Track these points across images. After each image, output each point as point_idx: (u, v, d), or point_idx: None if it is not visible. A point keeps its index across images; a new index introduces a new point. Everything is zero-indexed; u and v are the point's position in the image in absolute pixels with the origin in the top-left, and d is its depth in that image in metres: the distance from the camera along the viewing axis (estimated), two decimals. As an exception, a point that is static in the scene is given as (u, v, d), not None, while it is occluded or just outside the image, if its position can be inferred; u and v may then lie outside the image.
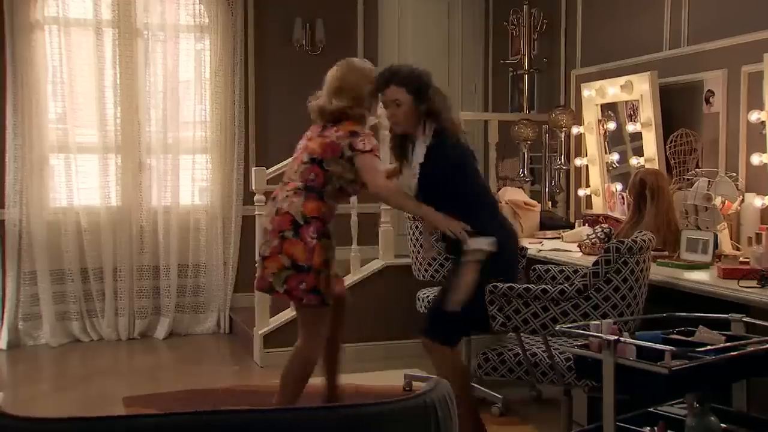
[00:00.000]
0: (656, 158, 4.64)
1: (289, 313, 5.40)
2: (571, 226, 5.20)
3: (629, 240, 3.29)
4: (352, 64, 3.87)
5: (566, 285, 3.32)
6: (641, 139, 4.80)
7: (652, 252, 3.49)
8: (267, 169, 5.36)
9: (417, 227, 4.56)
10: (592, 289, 3.24)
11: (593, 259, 3.70)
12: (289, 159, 5.36)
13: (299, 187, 3.70)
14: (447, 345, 3.54)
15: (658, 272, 3.65)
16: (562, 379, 3.39)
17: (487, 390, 4.36)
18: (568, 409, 3.58)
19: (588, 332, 2.74)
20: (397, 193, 3.73)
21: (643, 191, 4.17)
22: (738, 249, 4.01)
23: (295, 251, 3.60)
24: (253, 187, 5.32)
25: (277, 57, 6.58)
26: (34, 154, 5.92)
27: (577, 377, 3.28)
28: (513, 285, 3.32)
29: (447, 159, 3.53)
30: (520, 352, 3.45)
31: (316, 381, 4.79)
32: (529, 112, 6.27)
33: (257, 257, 3.86)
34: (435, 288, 4.64)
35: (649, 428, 2.92)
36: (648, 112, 4.67)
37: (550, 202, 5.86)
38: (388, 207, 5.16)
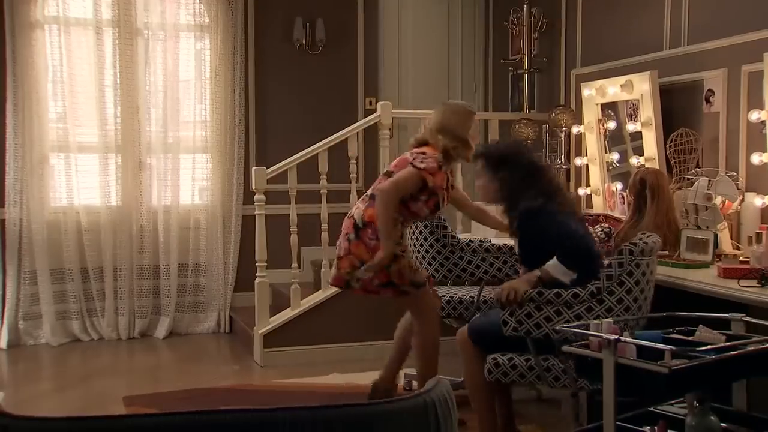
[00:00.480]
0: (656, 157, 4.64)
1: (289, 313, 5.41)
2: (572, 226, 5.20)
3: (641, 242, 3.27)
4: (452, 104, 4.20)
5: (579, 288, 3.28)
6: (641, 138, 4.80)
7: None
8: (267, 168, 5.36)
9: (417, 227, 4.56)
10: (605, 291, 3.23)
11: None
12: (290, 159, 5.43)
13: (368, 195, 4.04)
14: (478, 346, 3.54)
15: (658, 272, 3.64)
16: (575, 383, 3.35)
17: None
18: (575, 409, 3.57)
19: (588, 332, 2.74)
20: (386, 208, 3.83)
21: (644, 190, 4.16)
22: (738, 248, 4.01)
23: (359, 252, 3.92)
24: (253, 187, 5.31)
25: (277, 56, 6.59)
26: (34, 154, 5.92)
27: (590, 381, 3.26)
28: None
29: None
30: (531, 357, 3.40)
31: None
32: (529, 111, 6.27)
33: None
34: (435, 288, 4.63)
35: (649, 428, 2.92)
36: (648, 111, 4.67)
37: (550, 202, 5.85)
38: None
